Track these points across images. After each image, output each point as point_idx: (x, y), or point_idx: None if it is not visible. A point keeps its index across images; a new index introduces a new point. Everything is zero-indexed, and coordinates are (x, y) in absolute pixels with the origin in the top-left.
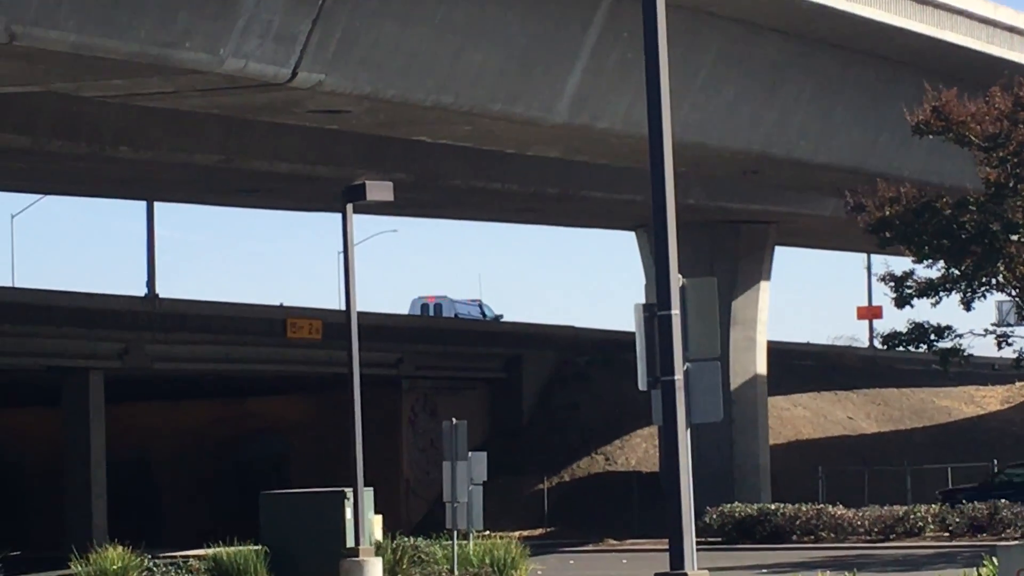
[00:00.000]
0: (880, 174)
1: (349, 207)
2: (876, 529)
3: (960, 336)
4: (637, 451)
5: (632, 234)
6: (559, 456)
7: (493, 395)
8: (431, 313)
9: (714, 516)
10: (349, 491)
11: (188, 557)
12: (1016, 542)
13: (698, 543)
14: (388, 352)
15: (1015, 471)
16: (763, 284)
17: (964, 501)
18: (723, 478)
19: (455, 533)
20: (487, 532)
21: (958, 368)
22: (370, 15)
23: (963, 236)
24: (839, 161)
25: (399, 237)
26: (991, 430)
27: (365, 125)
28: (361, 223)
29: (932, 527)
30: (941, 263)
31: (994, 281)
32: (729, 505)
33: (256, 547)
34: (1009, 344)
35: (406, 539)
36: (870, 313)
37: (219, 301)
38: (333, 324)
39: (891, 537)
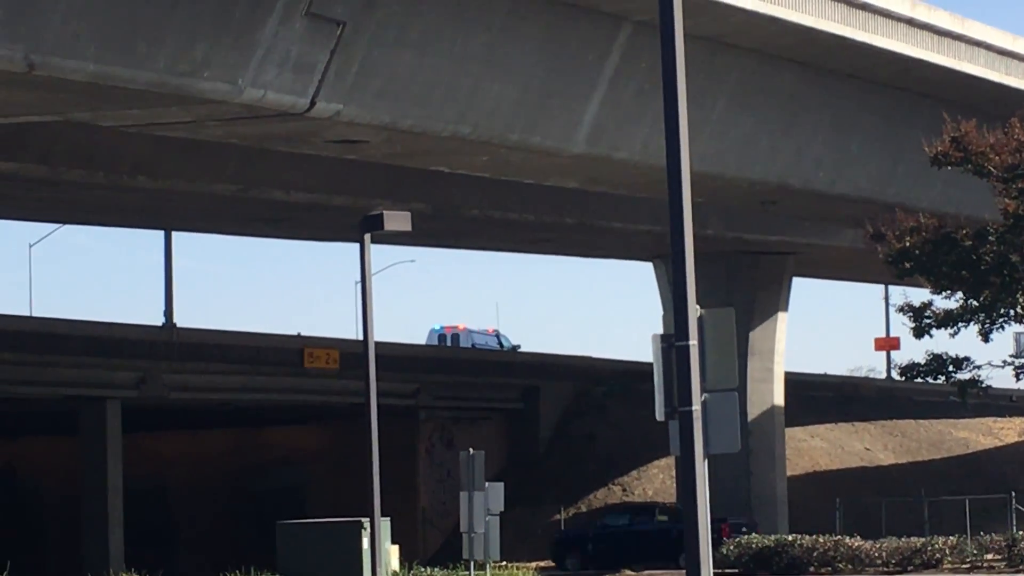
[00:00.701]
0: (898, 205)
1: (367, 237)
2: (894, 561)
3: (978, 367)
4: (654, 482)
5: (650, 264)
6: (576, 487)
7: (510, 425)
8: (448, 343)
9: (732, 547)
10: (366, 521)
11: None
12: None
13: (715, 574)
14: (405, 382)
15: (616, 518)
16: (780, 315)
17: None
18: (741, 509)
19: (472, 563)
20: (504, 562)
21: (976, 399)
22: (388, 46)
23: (982, 267)
24: (857, 192)
25: (417, 267)
26: (1009, 462)
27: (383, 155)
28: (379, 253)
29: (950, 559)
30: (960, 294)
31: (1012, 312)
32: (747, 536)
33: None
34: None
35: (423, 569)
36: (888, 344)
37: (236, 331)
38: (350, 354)
39: (909, 569)
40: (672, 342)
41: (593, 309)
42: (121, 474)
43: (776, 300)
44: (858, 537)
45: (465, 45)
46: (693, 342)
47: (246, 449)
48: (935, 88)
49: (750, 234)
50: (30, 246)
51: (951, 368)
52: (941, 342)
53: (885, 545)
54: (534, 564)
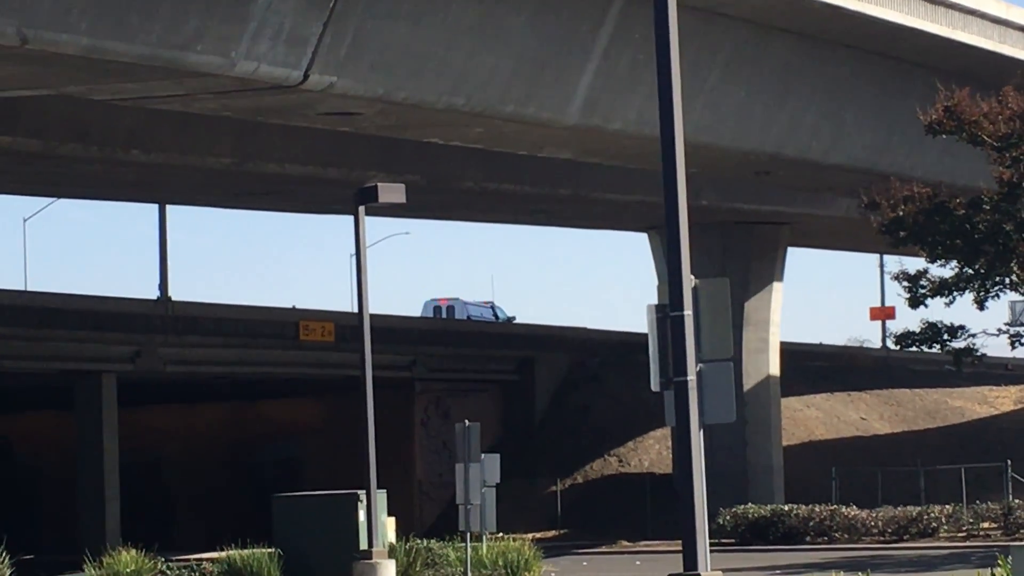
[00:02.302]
0: (893, 174)
1: (361, 209)
2: (890, 530)
3: (973, 336)
4: (650, 452)
5: (644, 235)
6: (572, 458)
7: (506, 397)
8: (443, 315)
9: (728, 517)
10: (362, 493)
11: (201, 560)
12: None
13: (711, 544)
14: (401, 354)
15: None
16: (776, 285)
17: None
18: (736, 479)
19: (468, 535)
20: (500, 534)
21: (971, 368)
22: (381, 17)
23: (976, 236)
24: (851, 161)
25: (411, 239)
26: (1004, 430)
27: (377, 127)
28: (373, 225)
29: (946, 527)
30: (954, 263)
31: (1007, 281)
32: (742, 506)
33: (269, 550)
34: (1022, 344)
35: (419, 541)
36: (883, 314)
37: (231, 304)
38: (345, 326)
39: (905, 538)
40: (667, 312)
41: (588, 280)
42: (117, 448)
43: (771, 270)
44: (854, 506)
45: (458, 16)
46: (688, 312)
47: (242, 422)
48: (929, 57)
49: (745, 204)
50: (24, 220)
51: (946, 336)
52: (937, 311)
53: (881, 514)
54: (530, 535)
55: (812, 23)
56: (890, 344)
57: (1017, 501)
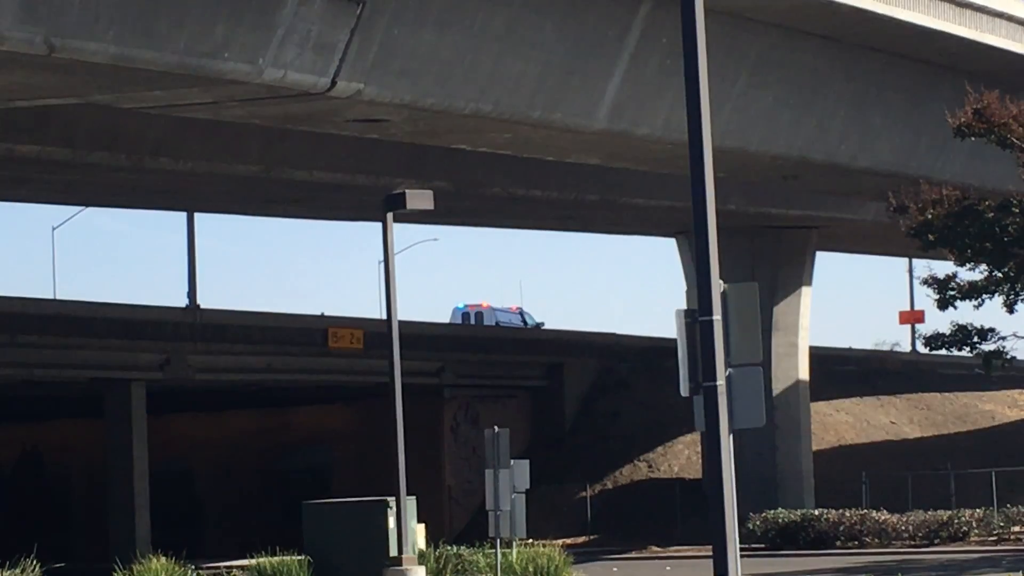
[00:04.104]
0: (921, 178)
1: (389, 216)
2: (920, 534)
3: (1003, 339)
4: (680, 458)
5: (672, 240)
6: (601, 463)
7: (535, 403)
8: (472, 321)
9: (757, 522)
10: (392, 500)
11: (231, 568)
12: None
13: (741, 549)
14: (430, 361)
15: None
16: (804, 289)
17: None
18: (766, 484)
19: (498, 541)
20: (530, 540)
21: (1001, 371)
22: (409, 24)
23: (1006, 239)
24: (880, 165)
25: (440, 246)
26: None
27: (404, 134)
28: (401, 232)
29: (977, 531)
30: (984, 266)
31: None
32: (772, 511)
33: (299, 557)
34: None
35: (449, 548)
36: (912, 318)
37: (260, 311)
38: (374, 333)
39: (935, 542)
40: (696, 317)
41: (616, 286)
42: (147, 456)
43: (800, 274)
44: (884, 511)
45: (486, 22)
46: (717, 317)
47: (271, 430)
48: (957, 60)
49: (773, 209)
50: (53, 229)
51: (976, 339)
52: (966, 314)
53: (911, 518)
54: (560, 541)
55: (839, 27)
56: (920, 347)
57: None
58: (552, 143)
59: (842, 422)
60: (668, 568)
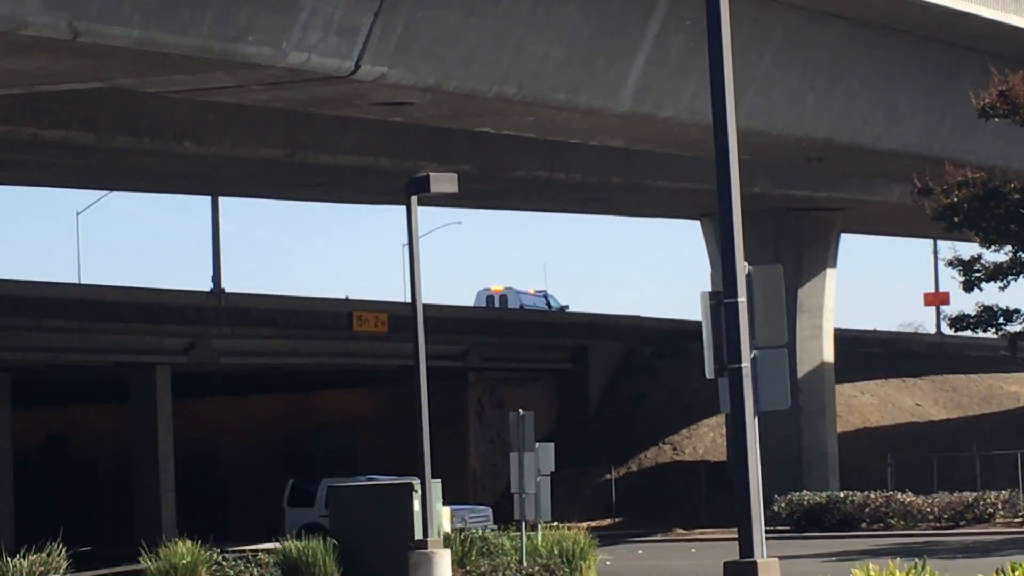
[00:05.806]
0: (946, 159)
1: (413, 199)
2: (946, 516)
3: None
4: (704, 440)
5: (697, 223)
6: (626, 446)
7: (559, 386)
8: (496, 304)
9: (783, 504)
10: (417, 483)
11: (257, 551)
12: None
13: (767, 531)
14: (454, 344)
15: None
16: (829, 271)
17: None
18: (791, 466)
19: (523, 524)
20: (555, 523)
21: None
22: (432, 7)
23: None
24: (904, 147)
25: (464, 229)
26: None
27: (428, 117)
28: (426, 215)
29: (1002, 513)
30: (1009, 247)
31: None
32: (798, 493)
33: (324, 540)
34: None
35: (474, 531)
36: (937, 299)
37: (284, 295)
38: (399, 317)
39: (961, 523)
40: (721, 299)
41: (641, 268)
42: (172, 440)
43: (824, 256)
44: (909, 493)
45: (510, 5)
46: (742, 299)
47: (296, 413)
48: (982, 41)
49: (797, 191)
50: (77, 213)
51: (1001, 320)
52: (991, 296)
53: (937, 500)
54: (585, 524)
55: (864, 8)
56: (945, 328)
57: None
58: (576, 125)
59: (867, 404)
60: (693, 551)
